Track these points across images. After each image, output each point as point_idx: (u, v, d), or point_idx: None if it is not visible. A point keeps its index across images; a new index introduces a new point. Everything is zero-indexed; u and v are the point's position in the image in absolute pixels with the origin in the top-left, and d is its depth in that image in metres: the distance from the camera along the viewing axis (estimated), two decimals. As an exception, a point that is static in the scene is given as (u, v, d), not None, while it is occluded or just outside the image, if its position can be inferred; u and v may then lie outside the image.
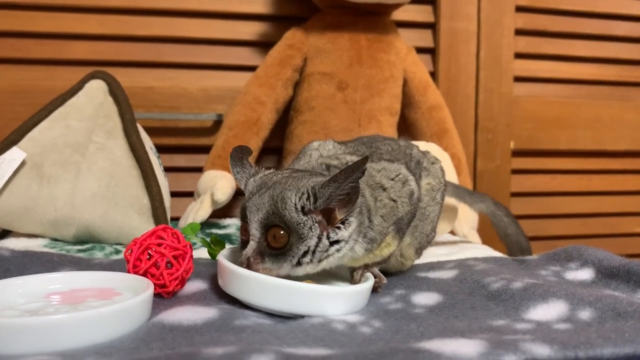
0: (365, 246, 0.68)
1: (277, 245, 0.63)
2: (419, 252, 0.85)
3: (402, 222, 0.73)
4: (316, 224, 0.63)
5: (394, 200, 0.72)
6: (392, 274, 0.83)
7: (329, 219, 0.64)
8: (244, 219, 0.65)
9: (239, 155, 0.71)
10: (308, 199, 0.62)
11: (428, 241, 0.86)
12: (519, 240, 1.16)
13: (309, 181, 0.64)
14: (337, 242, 0.64)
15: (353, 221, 0.65)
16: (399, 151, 0.82)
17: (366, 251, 0.69)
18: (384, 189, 0.72)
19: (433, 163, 0.86)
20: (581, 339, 0.51)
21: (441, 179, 0.85)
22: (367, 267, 0.73)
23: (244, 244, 0.65)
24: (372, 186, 0.71)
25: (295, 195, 0.63)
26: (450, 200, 1.11)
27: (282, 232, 0.62)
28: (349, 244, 0.66)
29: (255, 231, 0.63)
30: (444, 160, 1.20)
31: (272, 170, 0.70)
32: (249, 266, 0.63)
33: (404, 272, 0.85)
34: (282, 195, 0.63)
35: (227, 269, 0.65)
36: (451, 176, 1.23)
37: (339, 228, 0.64)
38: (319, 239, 0.63)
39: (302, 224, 0.62)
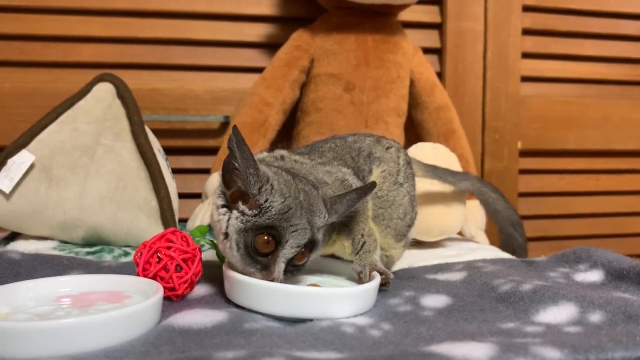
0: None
1: (300, 262, 0.67)
2: (399, 239, 0.83)
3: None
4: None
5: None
6: (397, 273, 0.83)
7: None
8: (272, 234, 0.64)
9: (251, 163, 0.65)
10: (325, 218, 0.68)
11: (407, 225, 0.84)
12: (509, 215, 1.16)
13: (319, 199, 0.68)
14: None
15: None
16: (344, 146, 0.84)
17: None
18: (327, 184, 0.74)
19: (387, 148, 0.86)
20: (592, 342, 0.50)
21: (397, 160, 0.85)
22: (372, 265, 0.73)
23: (257, 258, 0.64)
24: (317, 180, 0.73)
25: (319, 217, 0.67)
26: (432, 182, 1.10)
27: (308, 251, 0.67)
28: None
29: (290, 255, 0.65)
30: (452, 160, 1.20)
31: (275, 172, 0.68)
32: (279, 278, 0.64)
33: (412, 274, 0.85)
34: (314, 221, 0.66)
35: (235, 279, 0.65)
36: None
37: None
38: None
39: (319, 240, 0.68)
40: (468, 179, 1.14)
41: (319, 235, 0.68)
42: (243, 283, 0.64)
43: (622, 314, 0.60)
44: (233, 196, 0.67)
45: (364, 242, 0.75)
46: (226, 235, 0.66)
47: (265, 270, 0.64)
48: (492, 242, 1.33)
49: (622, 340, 0.50)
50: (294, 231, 0.64)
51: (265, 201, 0.64)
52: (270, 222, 0.64)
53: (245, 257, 0.65)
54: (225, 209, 0.67)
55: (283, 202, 0.64)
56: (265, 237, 0.64)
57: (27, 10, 1.40)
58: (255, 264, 0.65)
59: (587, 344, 0.50)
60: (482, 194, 1.15)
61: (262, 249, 0.64)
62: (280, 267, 0.64)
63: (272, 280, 0.63)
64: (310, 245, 0.67)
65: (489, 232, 1.39)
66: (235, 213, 0.65)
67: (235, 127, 0.64)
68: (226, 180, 0.67)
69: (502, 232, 1.19)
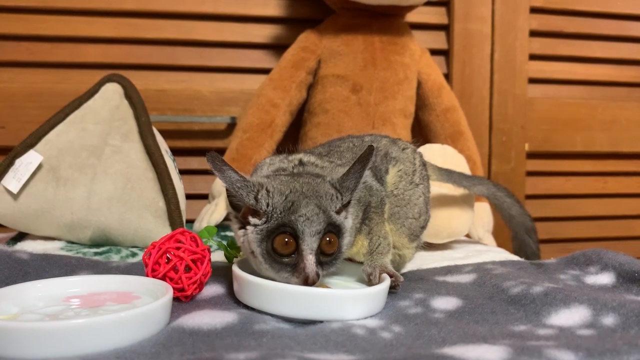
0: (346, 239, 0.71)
1: (331, 251, 0.66)
2: (413, 239, 0.84)
3: (370, 207, 0.76)
4: (347, 217, 0.68)
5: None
6: (407, 275, 0.83)
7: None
8: (286, 232, 0.63)
9: (227, 170, 0.65)
10: (339, 199, 0.66)
11: (421, 226, 0.85)
12: (523, 221, 1.15)
13: (326, 184, 0.67)
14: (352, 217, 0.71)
15: (351, 201, 0.70)
16: (362, 147, 0.85)
17: (346, 245, 0.71)
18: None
19: (404, 149, 0.88)
20: (607, 345, 0.50)
21: (413, 161, 0.87)
22: (382, 267, 0.72)
23: (284, 260, 0.64)
24: (319, 175, 0.73)
25: (331, 200, 0.66)
26: (447, 186, 1.10)
27: (334, 236, 0.66)
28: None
29: (314, 244, 0.64)
30: (459, 162, 1.20)
31: (268, 177, 0.69)
32: (316, 279, 0.63)
33: (421, 276, 0.84)
34: (325, 204, 0.65)
35: (244, 280, 0.65)
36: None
37: (348, 212, 0.70)
38: (349, 219, 0.69)
39: (341, 220, 0.67)
40: (483, 184, 1.13)
41: (341, 219, 0.66)
42: (252, 284, 0.64)
43: (635, 317, 0.60)
44: (244, 216, 0.67)
45: (379, 244, 0.75)
46: (252, 252, 0.66)
47: (297, 271, 0.63)
48: (499, 245, 1.33)
49: (638, 343, 0.50)
50: (305, 220, 0.63)
51: (267, 205, 0.64)
52: (280, 221, 0.63)
53: (274, 265, 0.64)
54: (242, 230, 0.67)
55: (285, 199, 0.64)
56: (282, 237, 0.63)
57: (35, 11, 1.40)
58: (285, 267, 0.64)
59: (602, 347, 0.49)
60: (497, 198, 1.14)
61: (284, 250, 0.64)
62: (309, 260, 0.63)
63: (308, 278, 0.62)
64: (336, 230, 0.65)
65: (496, 234, 1.38)
66: (250, 229, 0.65)
67: (208, 154, 0.65)
68: (233, 205, 0.68)
69: (516, 238, 1.18)
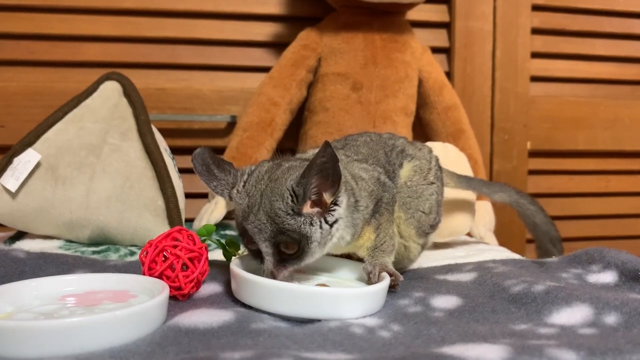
0: (351, 231, 0.71)
1: (290, 252, 0.66)
2: (421, 234, 0.84)
3: (381, 202, 0.76)
4: (314, 217, 0.66)
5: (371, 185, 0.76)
6: (407, 274, 0.82)
7: (320, 204, 0.67)
8: (245, 235, 0.68)
9: (203, 165, 0.70)
10: (293, 200, 0.65)
11: (430, 223, 0.85)
12: (548, 230, 1.12)
13: (287, 182, 0.66)
14: (335, 221, 0.68)
15: (342, 199, 0.69)
16: (379, 142, 0.86)
17: (352, 237, 0.72)
18: (363, 178, 0.76)
19: (420, 149, 0.90)
20: (609, 344, 0.49)
21: (430, 160, 0.89)
22: (382, 266, 0.72)
23: (254, 253, 0.69)
24: (352, 175, 0.75)
25: (283, 202, 0.65)
26: (466, 193, 1.09)
27: (290, 241, 0.65)
28: (344, 220, 0.70)
29: (266, 249, 0.66)
30: (461, 160, 1.19)
31: (247, 170, 0.71)
32: (274, 278, 0.66)
33: (421, 275, 0.83)
34: (275, 211, 0.65)
35: (242, 278, 0.64)
36: (468, 177, 1.21)
37: (332, 210, 0.68)
38: (321, 227, 0.67)
39: (302, 225, 0.65)
40: (504, 191, 1.11)
41: (300, 221, 0.65)
42: (250, 282, 0.63)
43: (638, 316, 0.59)
44: None
45: (384, 242, 0.75)
46: None
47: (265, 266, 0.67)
48: (501, 244, 1.32)
49: (640, 342, 0.49)
50: (253, 228, 0.66)
51: (235, 209, 0.70)
52: (240, 226, 0.68)
53: (252, 255, 0.70)
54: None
55: (245, 203, 0.67)
56: (246, 239, 0.69)
57: (35, 9, 1.40)
58: (257, 259, 0.69)
59: (604, 346, 0.48)
60: (520, 206, 1.11)
61: (252, 247, 0.69)
62: (266, 261, 0.66)
63: (269, 276, 0.66)
64: (291, 236, 0.65)
65: (498, 233, 1.37)
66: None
67: (193, 154, 0.69)
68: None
69: (540, 247, 1.15)
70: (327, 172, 0.64)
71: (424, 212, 0.83)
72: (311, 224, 0.66)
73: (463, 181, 1.06)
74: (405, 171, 0.85)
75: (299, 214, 0.65)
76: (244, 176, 0.70)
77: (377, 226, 0.75)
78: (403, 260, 0.85)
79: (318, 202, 0.67)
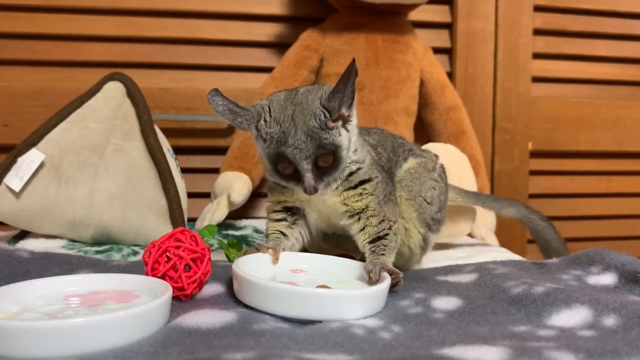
0: (359, 153, 0.79)
1: (327, 165, 0.73)
2: (422, 221, 0.85)
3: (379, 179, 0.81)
4: (339, 128, 0.74)
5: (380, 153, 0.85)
6: (408, 274, 0.82)
7: (339, 118, 0.74)
8: (281, 160, 0.73)
9: (223, 105, 0.73)
10: (325, 116, 0.72)
11: (432, 216, 0.86)
12: (559, 247, 1.12)
13: (315, 102, 0.72)
14: (354, 130, 0.77)
15: (353, 113, 0.76)
16: (390, 136, 0.92)
17: (357, 159, 0.78)
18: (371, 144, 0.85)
19: (427, 153, 0.94)
20: (607, 347, 0.50)
21: (435, 162, 0.92)
22: (382, 265, 0.72)
23: (288, 177, 0.74)
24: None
25: (317, 120, 0.72)
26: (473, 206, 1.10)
27: (328, 153, 0.73)
28: (355, 134, 0.77)
29: (307, 166, 0.72)
30: (462, 161, 1.19)
31: (265, 102, 0.75)
32: (316, 191, 0.73)
33: (422, 276, 0.84)
34: (311, 129, 0.71)
35: (244, 279, 0.64)
36: (469, 177, 1.22)
37: (350, 120, 0.76)
38: (345, 135, 0.74)
39: (335, 137, 0.73)
40: (513, 206, 1.11)
41: (334, 134, 0.72)
42: (252, 284, 0.64)
43: (637, 318, 0.59)
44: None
45: (387, 235, 0.77)
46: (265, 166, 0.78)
47: (300, 184, 0.74)
48: (502, 244, 1.32)
49: (639, 345, 0.50)
50: (294, 149, 0.72)
51: (267, 134, 0.73)
52: (276, 150, 0.73)
53: (282, 179, 0.76)
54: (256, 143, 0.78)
55: (279, 128, 0.72)
56: (282, 163, 0.74)
57: (38, 9, 1.40)
58: (291, 180, 0.75)
59: (602, 349, 0.49)
60: (531, 221, 1.11)
61: (286, 171, 0.74)
62: (306, 178, 0.72)
63: (307, 191, 0.73)
64: (328, 149, 0.72)
65: (499, 234, 1.37)
66: (258, 147, 0.77)
67: (210, 92, 0.72)
68: None
69: None
70: (352, 90, 0.72)
71: (425, 199, 0.85)
72: (339, 134, 0.73)
73: (471, 196, 1.06)
74: (410, 164, 0.88)
75: (330, 128, 0.72)
76: (265, 107, 0.74)
77: (378, 204, 0.78)
78: (403, 247, 0.85)
79: (338, 117, 0.73)
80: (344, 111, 0.73)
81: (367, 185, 0.78)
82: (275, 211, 0.82)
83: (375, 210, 0.78)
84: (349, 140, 0.75)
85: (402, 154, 0.89)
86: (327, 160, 0.73)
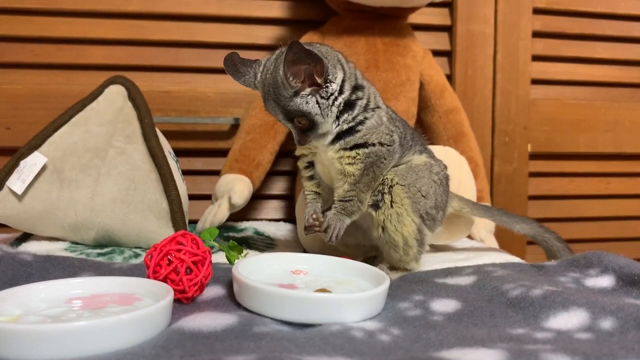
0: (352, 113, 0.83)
1: (305, 126, 0.81)
2: (415, 210, 0.85)
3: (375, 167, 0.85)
4: (309, 96, 0.78)
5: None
6: (407, 277, 0.83)
7: (316, 84, 0.79)
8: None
9: (232, 65, 0.85)
10: (285, 87, 0.77)
11: (426, 210, 0.87)
12: None
13: (280, 71, 0.77)
14: (334, 96, 0.81)
15: (337, 76, 0.81)
16: (412, 129, 0.96)
17: (350, 120, 0.83)
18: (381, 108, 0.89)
19: (439, 160, 0.96)
20: (604, 349, 0.50)
21: (440, 165, 0.94)
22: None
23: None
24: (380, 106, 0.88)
25: (282, 88, 0.77)
26: (467, 195, 1.10)
27: (300, 117, 0.79)
28: (344, 94, 0.82)
29: (287, 124, 0.82)
30: (461, 164, 1.20)
31: (264, 61, 0.83)
32: (302, 144, 0.83)
33: (421, 278, 0.84)
34: (277, 97, 0.79)
35: (243, 283, 0.65)
36: (468, 180, 1.22)
37: (326, 87, 0.80)
38: (318, 102, 0.79)
39: (300, 104, 0.78)
40: (526, 222, 1.07)
41: (300, 101, 0.78)
42: (252, 287, 0.64)
43: (633, 321, 0.60)
44: None
45: (352, 200, 0.83)
46: None
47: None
48: (501, 247, 1.33)
49: (634, 347, 0.50)
50: (271, 110, 0.82)
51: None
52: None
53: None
54: None
55: (261, 92, 0.82)
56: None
57: (40, 12, 1.41)
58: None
59: (598, 351, 0.49)
60: (546, 240, 1.06)
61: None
62: (294, 134, 0.82)
63: (303, 142, 0.83)
64: (298, 114, 0.79)
65: (498, 236, 1.38)
66: None
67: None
68: None
69: None
70: (303, 60, 0.75)
71: (419, 191, 0.86)
72: (307, 102, 0.78)
73: (480, 209, 1.06)
74: (416, 160, 0.90)
75: (296, 95, 0.78)
76: (259, 67, 0.82)
77: (361, 171, 0.83)
78: (396, 234, 0.85)
79: (313, 83, 0.78)
80: (317, 77, 0.77)
81: (360, 150, 0.83)
82: (305, 168, 0.92)
83: (355, 177, 0.83)
84: (327, 107, 0.80)
85: (415, 147, 0.92)
86: (303, 122, 0.80)
